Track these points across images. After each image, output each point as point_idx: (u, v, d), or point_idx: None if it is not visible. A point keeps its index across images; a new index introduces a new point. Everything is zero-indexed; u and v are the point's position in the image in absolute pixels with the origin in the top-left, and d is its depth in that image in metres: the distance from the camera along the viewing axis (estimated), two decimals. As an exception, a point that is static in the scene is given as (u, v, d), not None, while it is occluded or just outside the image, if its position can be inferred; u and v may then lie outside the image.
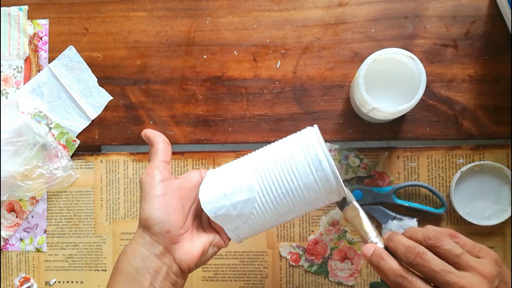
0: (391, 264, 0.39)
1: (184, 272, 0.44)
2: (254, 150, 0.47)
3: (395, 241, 0.41)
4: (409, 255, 0.39)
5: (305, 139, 0.43)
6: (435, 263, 0.38)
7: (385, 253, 0.41)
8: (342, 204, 0.45)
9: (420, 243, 0.40)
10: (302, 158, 0.42)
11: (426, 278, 0.39)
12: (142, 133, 0.47)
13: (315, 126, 0.45)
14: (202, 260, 0.44)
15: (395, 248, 0.40)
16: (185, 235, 0.44)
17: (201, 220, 0.47)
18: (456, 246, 0.39)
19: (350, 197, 0.45)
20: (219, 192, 0.43)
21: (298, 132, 0.45)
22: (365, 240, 0.43)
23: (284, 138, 0.45)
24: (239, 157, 0.46)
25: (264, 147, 0.46)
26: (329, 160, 0.41)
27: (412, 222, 0.57)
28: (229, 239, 0.46)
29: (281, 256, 0.61)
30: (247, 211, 0.43)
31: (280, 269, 0.61)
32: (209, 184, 0.44)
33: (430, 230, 0.40)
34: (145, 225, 0.42)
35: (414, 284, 0.38)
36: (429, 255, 0.38)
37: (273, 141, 0.61)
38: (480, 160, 0.58)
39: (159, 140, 0.46)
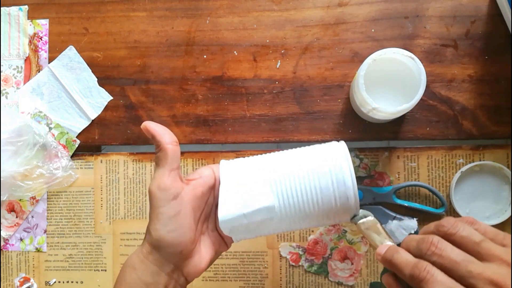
0: (405, 256, 0.35)
1: (188, 282, 0.43)
2: (267, 152, 0.44)
3: (407, 240, 0.37)
4: (423, 246, 0.34)
5: (336, 169, 0.40)
6: (454, 253, 0.33)
7: (399, 248, 0.37)
8: (358, 217, 0.43)
9: (434, 234, 0.35)
10: (330, 190, 0.40)
11: (445, 272, 0.33)
12: (143, 126, 0.41)
13: (345, 148, 0.42)
14: (206, 268, 0.44)
15: (407, 246, 0.36)
16: (195, 248, 0.42)
17: (208, 224, 0.45)
18: (475, 232, 0.33)
19: (366, 212, 0.43)
20: (239, 212, 0.41)
21: (327, 149, 0.42)
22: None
23: (310, 152, 0.42)
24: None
25: (289, 156, 0.43)
26: (356, 198, 0.40)
27: (412, 222, 0.57)
28: (232, 242, 0.45)
29: (281, 256, 0.61)
30: (260, 228, 0.42)
31: (280, 269, 0.61)
32: (228, 201, 0.41)
33: (444, 219, 0.35)
34: (156, 246, 0.40)
35: (433, 274, 0.32)
36: (445, 244, 0.33)
37: (273, 141, 0.61)
38: (480, 160, 0.58)
39: (167, 141, 0.40)
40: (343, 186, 0.40)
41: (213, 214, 0.45)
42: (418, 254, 0.35)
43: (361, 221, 0.42)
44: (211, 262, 0.44)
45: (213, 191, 0.44)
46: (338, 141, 0.60)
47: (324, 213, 0.41)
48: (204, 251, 0.43)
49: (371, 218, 0.42)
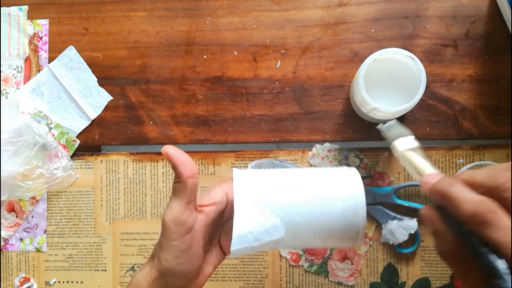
0: (466, 189, 0.30)
1: None
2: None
3: (469, 172, 0.32)
4: (495, 178, 0.30)
5: (350, 210, 0.39)
6: None
7: (457, 179, 0.32)
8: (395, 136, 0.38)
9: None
10: (340, 226, 0.40)
11: None
12: (163, 151, 0.39)
13: (361, 185, 0.40)
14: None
15: (471, 178, 0.31)
16: (200, 270, 0.42)
17: (212, 240, 0.45)
18: None
19: (399, 127, 0.39)
20: (249, 245, 0.40)
21: (343, 180, 0.41)
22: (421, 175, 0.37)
23: (324, 180, 0.41)
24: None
25: (303, 182, 0.41)
26: (362, 234, 0.40)
27: (412, 222, 0.57)
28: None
29: (281, 256, 0.61)
30: (262, 249, 0.42)
31: (280, 269, 0.61)
32: (241, 235, 0.40)
33: None
34: (165, 274, 0.40)
35: (499, 218, 0.28)
36: None
37: (273, 141, 0.61)
38: (480, 160, 0.58)
39: (188, 174, 0.38)
40: (356, 225, 0.39)
41: (218, 231, 0.45)
42: (486, 188, 0.30)
43: (400, 141, 0.37)
44: (209, 276, 0.44)
45: (223, 213, 0.44)
46: (336, 141, 0.60)
47: (329, 242, 0.41)
48: (206, 269, 0.43)
49: (413, 139, 0.37)
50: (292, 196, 0.40)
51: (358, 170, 0.59)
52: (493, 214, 0.28)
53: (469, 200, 0.30)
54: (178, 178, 0.39)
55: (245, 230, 0.39)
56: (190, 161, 0.39)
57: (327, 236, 0.40)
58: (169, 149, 0.38)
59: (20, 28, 0.65)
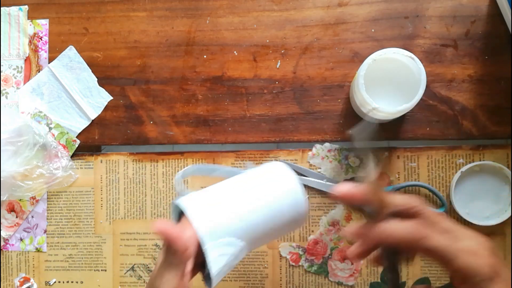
0: (398, 223, 0.38)
1: None
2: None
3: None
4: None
5: (289, 197, 0.44)
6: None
7: (387, 222, 0.39)
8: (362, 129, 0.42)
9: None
10: (291, 223, 0.45)
11: None
12: (155, 228, 0.37)
13: (289, 171, 0.45)
14: None
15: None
16: None
17: None
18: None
19: (368, 125, 0.42)
20: (225, 274, 0.43)
21: (285, 189, 0.44)
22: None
23: (270, 194, 0.44)
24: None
25: (248, 194, 0.44)
26: (305, 216, 0.45)
27: (412, 222, 0.57)
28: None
29: (281, 256, 0.61)
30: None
31: (280, 269, 0.61)
32: (219, 273, 0.41)
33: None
34: None
35: (432, 233, 0.37)
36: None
37: (273, 141, 0.61)
38: (480, 160, 0.58)
39: (184, 249, 0.38)
40: (301, 211, 0.45)
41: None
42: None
43: (358, 129, 0.41)
44: None
45: None
46: (336, 141, 0.60)
47: (282, 234, 0.47)
48: None
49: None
50: (248, 217, 0.43)
51: (358, 170, 0.59)
52: (426, 233, 0.37)
53: (406, 226, 0.37)
54: (174, 253, 0.38)
55: (220, 266, 0.41)
56: (182, 234, 0.38)
57: (280, 232, 0.45)
58: (161, 226, 0.37)
59: (20, 28, 0.65)
